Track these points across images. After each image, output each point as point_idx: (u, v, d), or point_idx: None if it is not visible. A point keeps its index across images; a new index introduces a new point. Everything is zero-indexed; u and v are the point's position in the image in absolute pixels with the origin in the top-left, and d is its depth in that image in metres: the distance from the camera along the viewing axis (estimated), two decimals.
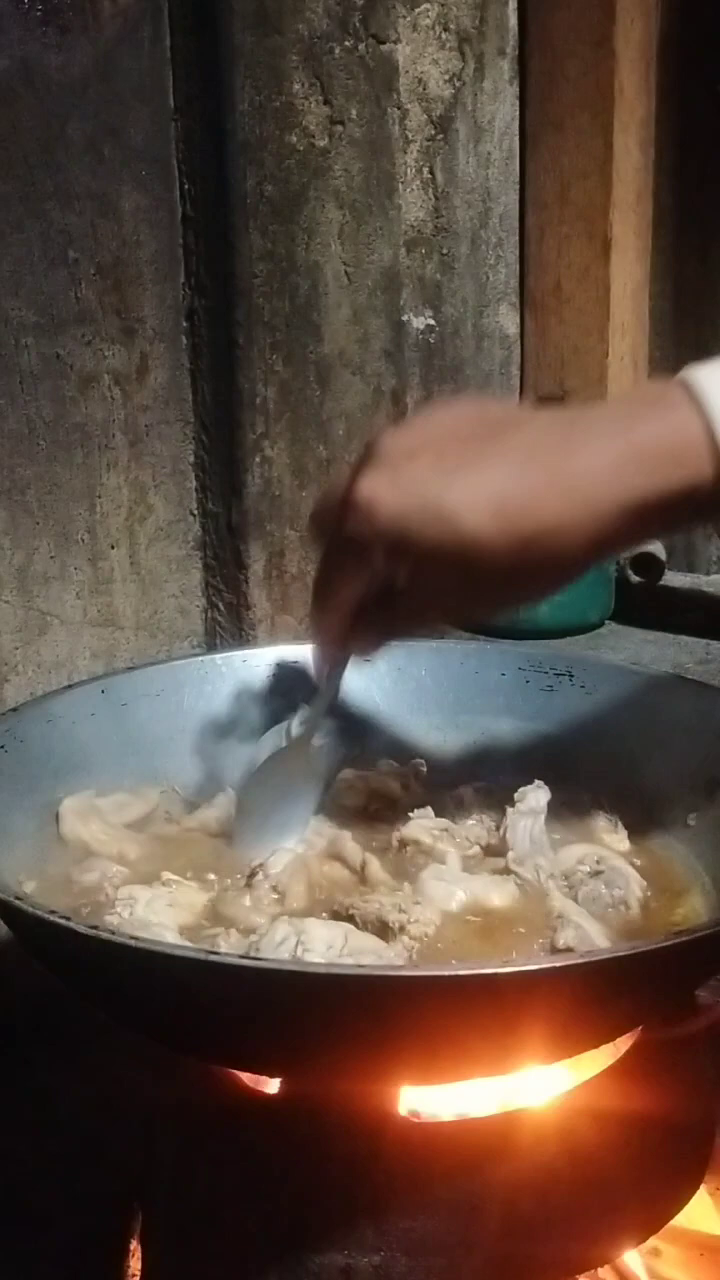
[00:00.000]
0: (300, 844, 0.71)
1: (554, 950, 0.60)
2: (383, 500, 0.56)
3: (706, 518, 0.57)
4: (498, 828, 0.71)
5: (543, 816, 0.70)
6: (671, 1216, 0.64)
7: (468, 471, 0.56)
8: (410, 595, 0.60)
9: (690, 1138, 0.66)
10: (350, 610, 0.63)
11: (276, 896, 0.65)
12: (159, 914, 0.63)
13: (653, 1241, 0.65)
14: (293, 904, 0.65)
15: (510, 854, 0.68)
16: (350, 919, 0.62)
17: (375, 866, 0.68)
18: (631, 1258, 0.65)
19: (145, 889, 0.65)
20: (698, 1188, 0.66)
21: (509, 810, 0.70)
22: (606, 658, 1.16)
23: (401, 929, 0.61)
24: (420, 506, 0.56)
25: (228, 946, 0.60)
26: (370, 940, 0.60)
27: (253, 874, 0.67)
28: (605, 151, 1.31)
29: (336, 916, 0.63)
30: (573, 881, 0.67)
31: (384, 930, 0.61)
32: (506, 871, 0.67)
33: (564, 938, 0.61)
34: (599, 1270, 0.65)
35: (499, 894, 0.66)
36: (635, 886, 0.66)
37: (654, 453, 0.55)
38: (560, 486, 0.55)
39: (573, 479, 0.55)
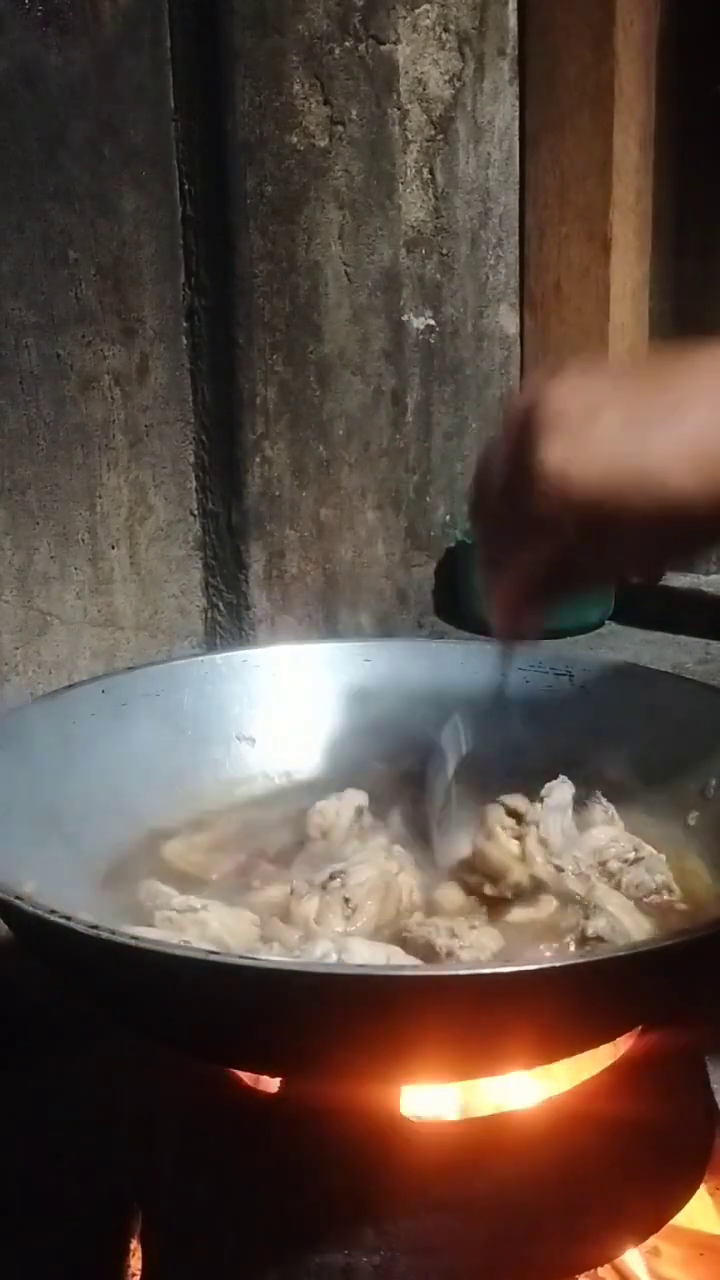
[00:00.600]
0: (387, 858, 0.68)
1: (583, 940, 0.60)
2: (578, 470, 0.52)
3: None
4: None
5: (570, 810, 0.69)
6: (671, 1216, 0.64)
7: (658, 429, 0.52)
8: (600, 560, 0.57)
9: (690, 1137, 0.66)
10: (533, 587, 0.60)
11: (348, 910, 0.63)
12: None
13: (653, 1241, 0.65)
14: (360, 919, 0.63)
15: (548, 849, 0.67)
16: (404, 942, 0.60)
17: (455, 892, 0.66)
18: (631, 1258, 0.65)
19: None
20: (698, 1188, 0.66)
21: (538, 807, 0.69)
22: (606, 658, 1.16)
23: (449, 954, 0.59)
24: (621, 472, 0.52)
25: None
26: (413, 963, 0.59)
27: (331, 877, 0.65)
28: (605, 151, 1.31)
29: (396, 938, 0.61)
30: (611, 870, 0.66)
31: (431, 954, 0.59)
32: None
33: (594, 927, 0.60)
34: (599, 1270, 0.65)
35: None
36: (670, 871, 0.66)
37: None
38: None
39: None
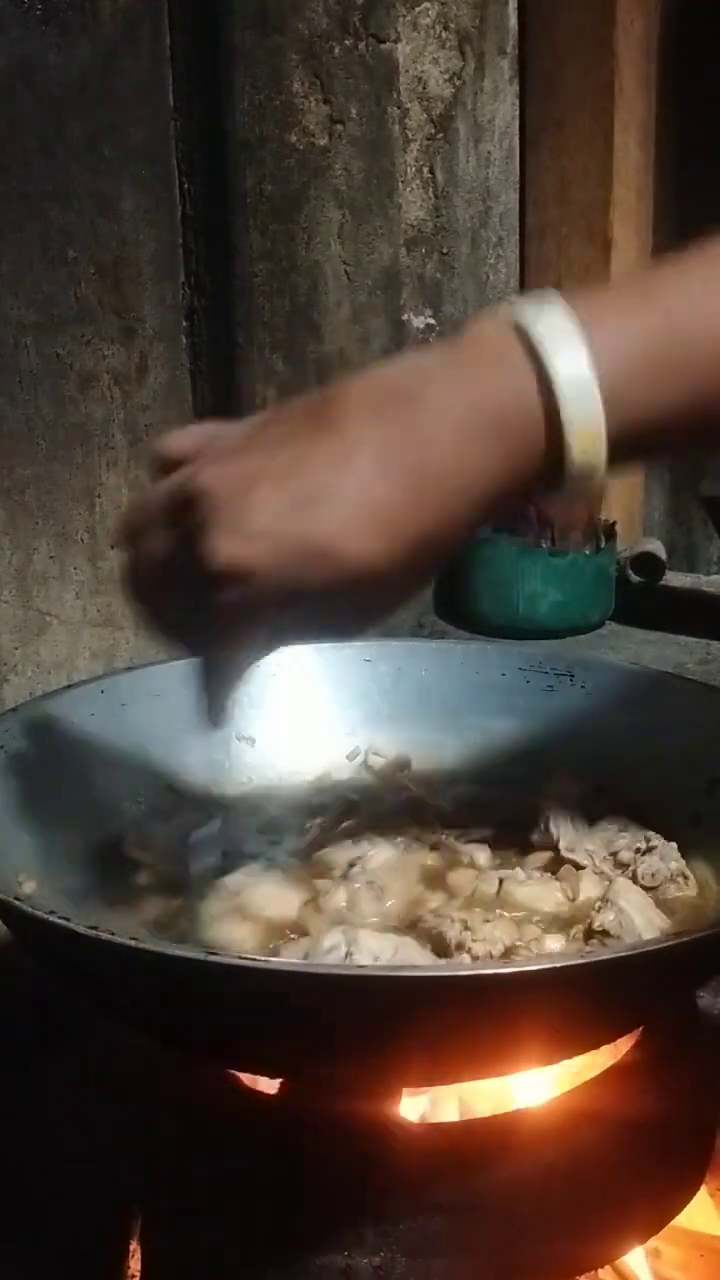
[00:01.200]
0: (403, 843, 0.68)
1: (589, 934, 0.60)
2: (253, 560, 0.48)
3: (535, 491, 0.51)
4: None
5: (576, 805, 0.69)
6: (671, 1217, 0.64)
7: (324, 495, 0.48)
8: (298, 621, 0.53)
9: (690, 1138, 0.66)
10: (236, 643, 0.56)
11: (374, 891, 0.63)
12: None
13: (653, 1241, 0.65)
14: (390, 900, 0.63)
15: (561, 843, 0.67)
16: (417, 930, 0.60)
17: (470, 878, 0.66)
18: (632, 1258, 0.65)
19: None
20: (698, 1188, 0.66)
21: (543, 803, 0.69)
22: (606, 658, 1.16)
23: (460, 946, 0.58)
24: (295, 551, 0.48)
25: (289, 952, 0.59)
26: (423, 956, 0.58)
27: (351, 864, 0.65)
28: (605, 151, 1.31)
29: (414, 926, 0.61)
30: (624, 861, 0.66)
31: (443, 945, 0.59)
32: (555, 864, 0.67)
33: (601, 920, 0.59)
34: (599, 1270, 0.65)
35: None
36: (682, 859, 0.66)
37: (504, 424, 0.49)
38: (429, 482, 0.49)
39: (439, 471, 0.49)
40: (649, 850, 0.66)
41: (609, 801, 0.73)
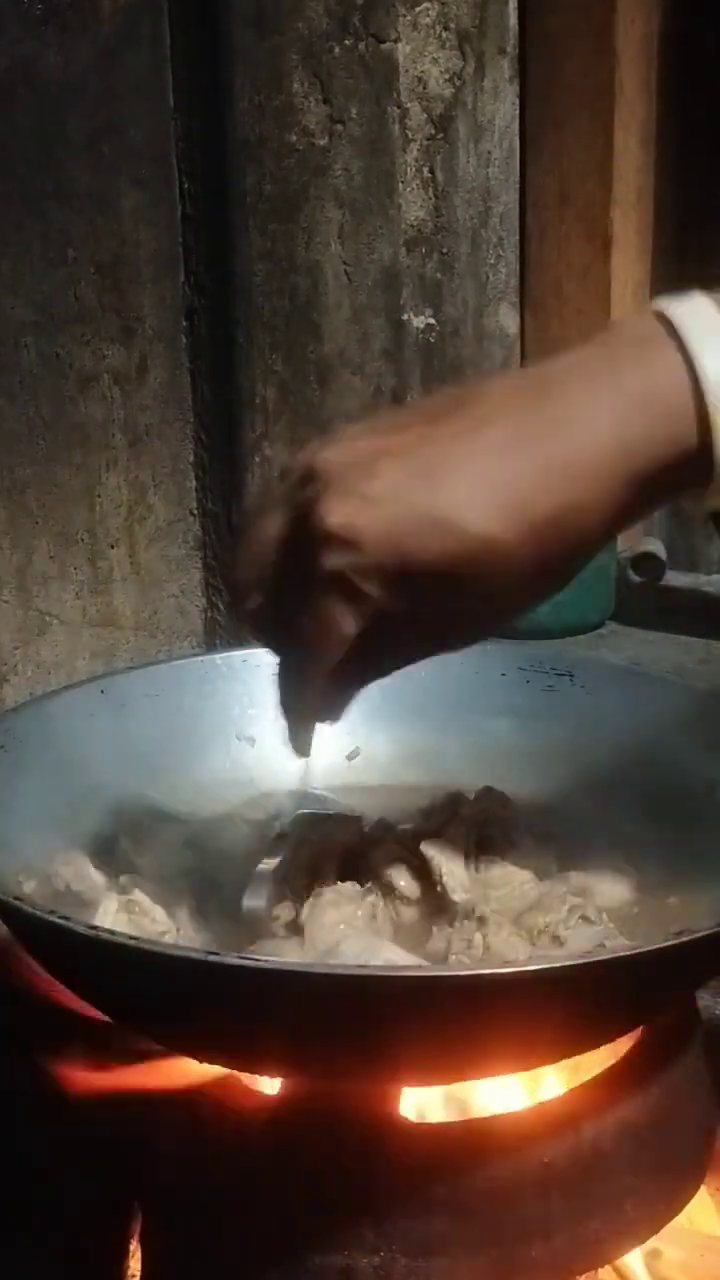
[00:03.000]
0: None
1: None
2: (365, 524, 0.46)
3: (691, 488, 0.49)
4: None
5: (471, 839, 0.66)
6: (671, 1216, 0.64)
7: (450, 466, 0.47)
8: (410, 625, 0.51)
9: (690, 1138, 0.66)
10: (331, 670, 0.52)
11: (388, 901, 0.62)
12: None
13: (653, 1241, 0.65)
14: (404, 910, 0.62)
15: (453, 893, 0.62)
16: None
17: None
18: (632, 1258, 0.65)
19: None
20: (698, 1188, 0.66)
21: (433, 845, 0.64)
22: (607, 658, 1.16)
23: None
24: (413, 518, 0.46)
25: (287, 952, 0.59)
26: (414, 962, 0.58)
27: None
28: (605, 151, 1.31)
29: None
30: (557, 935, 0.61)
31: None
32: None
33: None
34: (599, 1270, 0.65)
35: None
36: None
37: (647, 407, 0.47)
38: (561, 464, 0.47)
39: (573, 454, 0.47)
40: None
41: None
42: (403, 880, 0.63)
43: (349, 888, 0.62)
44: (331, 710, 0.58)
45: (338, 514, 0.47)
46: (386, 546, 0.46)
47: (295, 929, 0.61)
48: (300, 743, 0.58)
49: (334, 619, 0.49)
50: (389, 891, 0.63)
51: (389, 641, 0.52)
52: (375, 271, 1.18)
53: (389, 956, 0.57)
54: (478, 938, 0.59)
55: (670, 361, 0.47)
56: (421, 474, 0.47)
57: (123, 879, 0.66)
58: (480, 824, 0.66)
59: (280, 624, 0.52)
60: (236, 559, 0.52)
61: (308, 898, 0.62)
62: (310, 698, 0.55)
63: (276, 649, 0.55)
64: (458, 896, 0.61)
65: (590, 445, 0.47)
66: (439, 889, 0.62)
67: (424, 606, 0.49)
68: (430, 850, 0.63)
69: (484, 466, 0.47)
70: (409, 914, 0.63)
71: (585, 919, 0.62)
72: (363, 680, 0.57)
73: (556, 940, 0.60)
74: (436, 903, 0.62)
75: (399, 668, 0.56)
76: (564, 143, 1.33)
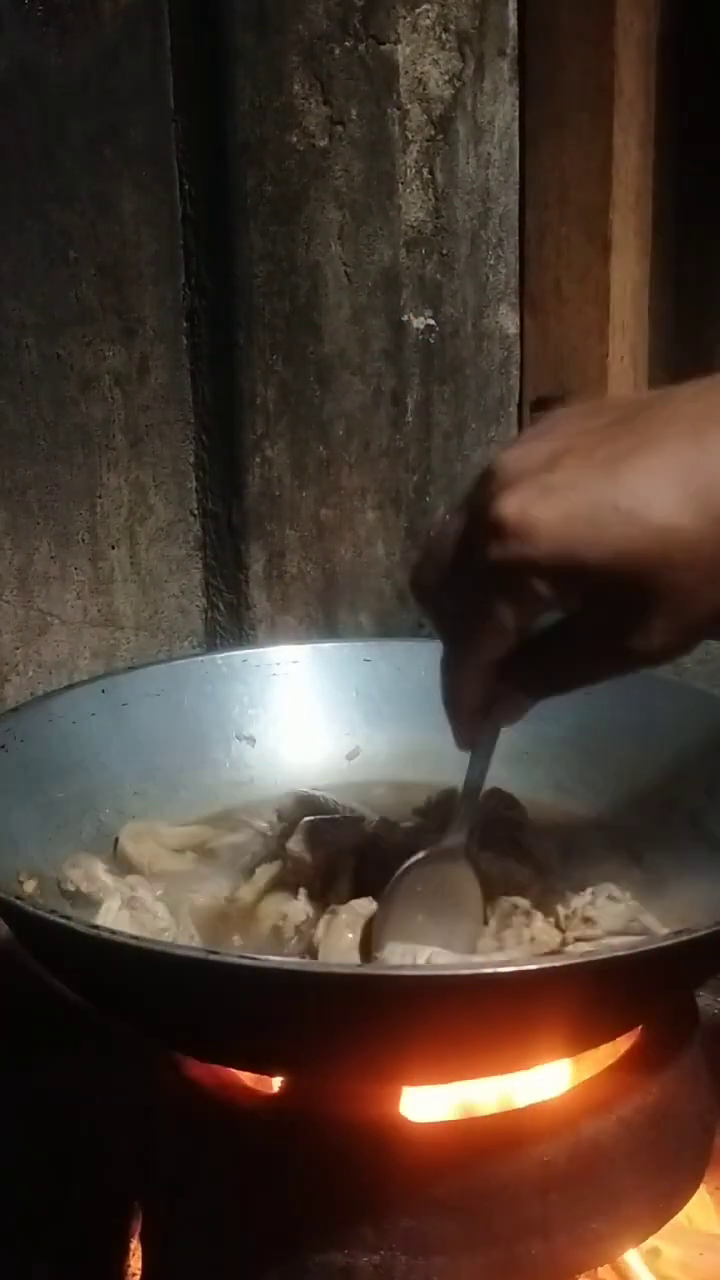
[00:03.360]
0: None
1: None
2: (541, 515, 0.45)
3: None
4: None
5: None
6: (671, 1216, 0.64)
7: (632, 458, 0.45)
8: (588, 632, 0.49)
9: (690, 1137, 0.66)
10: (496, 668, 0.51)
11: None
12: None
13: (653, 1241, 0.65)
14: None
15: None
16: None
17: None
18: (631, 1256, 0.65)
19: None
20: (698, 1187, 0.66)
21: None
22: None
23: None
24: (591, 507, 0.44)
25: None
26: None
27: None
28: (605, 151, 1.31)
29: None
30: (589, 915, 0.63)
31: None
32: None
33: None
34: (599, 1270, 0.65)
35: None
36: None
37: None
38: None
39: None
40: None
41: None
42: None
43: (363, 904, 0.62)
44: (505, 711, 0.57)
45: (512, 504, 0.46)
46: (560, 538, 0.45)
47: (308, 944, 0.62)
48: (462, 737, 0.58)
49: (494, 612, 0.48)
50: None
51: (567, 649, 0.51)
52: (375, 272, 1.18)
53: (431, 955, 0.57)
54: (525, 932, 0.59)
55: None
56: (603, 464, 0.45)
57: (126, 878, 0.66)
58: (487, 824, 0.67)
59: (451, 616, 0.52)
60: (419, 558, 0.52)
61: (323, 909, 0.63)
62: (468, 691, 0.54)
63: (444, 640, 0.54)
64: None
65: None
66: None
67: (599, 609, 0.47)
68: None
69: (670, 455, 0.45)
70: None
71: (612, 898, 0.62)
72: (539, 688, 0.55)
73: (589, 921, 0.61)
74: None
75: (580, 684, 0.54)
76: (563, 144, 1.33)
